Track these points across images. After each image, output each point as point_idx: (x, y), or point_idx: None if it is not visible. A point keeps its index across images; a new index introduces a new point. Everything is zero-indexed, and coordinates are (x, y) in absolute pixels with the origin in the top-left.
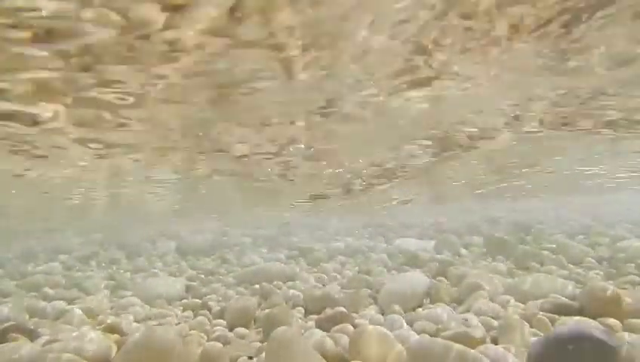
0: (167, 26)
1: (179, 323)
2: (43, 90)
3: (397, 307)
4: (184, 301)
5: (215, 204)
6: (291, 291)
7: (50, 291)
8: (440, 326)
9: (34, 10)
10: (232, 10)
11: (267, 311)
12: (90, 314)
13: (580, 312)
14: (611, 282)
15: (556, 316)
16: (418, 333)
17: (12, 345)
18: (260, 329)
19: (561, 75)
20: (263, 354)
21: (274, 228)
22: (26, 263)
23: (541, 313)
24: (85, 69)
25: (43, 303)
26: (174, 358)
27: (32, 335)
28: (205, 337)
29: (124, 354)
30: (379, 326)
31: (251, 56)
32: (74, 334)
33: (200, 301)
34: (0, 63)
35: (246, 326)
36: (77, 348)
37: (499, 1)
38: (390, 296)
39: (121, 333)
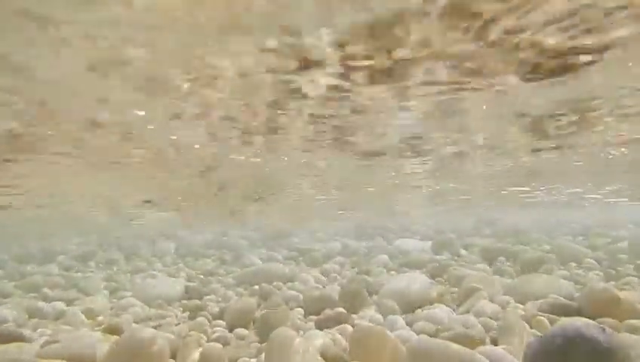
0: None
1: (178, 323)
2: None
3: (396, 308)
4: (183, 302)
5: None
6: (291, 292)
7: (50, 292)
8: (440, 326)
9: None
10: None
11: (264, 311)
12: (90, 314)
13: (579, 313)
14: (612, 283)
15: (556, 317)
16: (417, 334)
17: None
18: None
19: None
20: (263, 355)
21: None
22: (25, 264)
23: (541, 314)
24: None
25: (42, 304)
26: (160, 358)
27: (23, 338)
28: (205, 338)
29: (111, 355)
30: (378, 327)
31: None
32: (73, 335)
33: (199, 302)
34: None
35: (245, 327)
36: (76, 349)
37: None
38: (390, 296)
39: (121, 334)
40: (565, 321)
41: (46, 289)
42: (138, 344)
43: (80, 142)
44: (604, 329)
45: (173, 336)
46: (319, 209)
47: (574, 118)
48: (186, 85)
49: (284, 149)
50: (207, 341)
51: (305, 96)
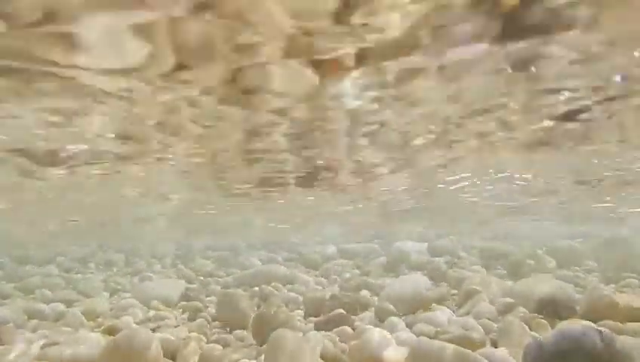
0: None
1: (177, 325)
2: None
3: (396, 310)
4: (183, 303)
5: None
6: (291, 293)
7: (49, 293)
8: (439, 329)
9: None
10: None
11: (262, 313)
12: (90, 316)
13: (579, 315)
14: (612, 286)
15: (556, 319)
16: (417, 336)
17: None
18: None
19: None
20: (262, 357)
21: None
22: (24, 265)
23: (540, 316)
24: None
25: (42, 305)
26: (154, 359)
27: None
28: (204, 339)
29: (105, 356)
30: (378, 329)
31: None
32: (73, 336)
33: (199, 303)
34: None
35: (245, 329)
36: (76, 351)
37: None
38: (389, 298)
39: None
40: (565, 324)
41: (46, 291)
42: (132, 344)
43: None
44: (603, 333)
45: (172, 338)
46: None
47: None
48: None
49: None
50: (207, 342)
51: None
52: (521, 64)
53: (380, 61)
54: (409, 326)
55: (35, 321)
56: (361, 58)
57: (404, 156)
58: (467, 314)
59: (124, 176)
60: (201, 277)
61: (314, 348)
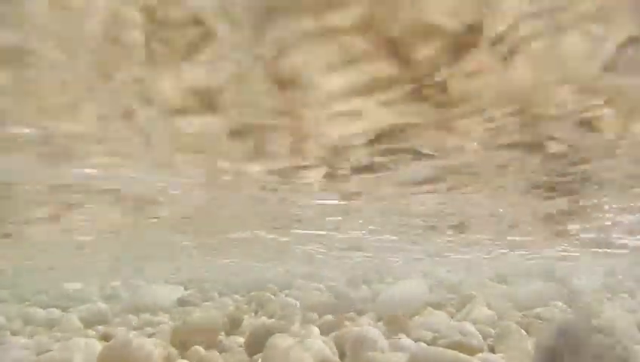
0: None
1: None
2: None
3: (394, 314)
4: (180, 308)
5: None
6: (288, 299)
7: (45, 299)
8: (437, 334)
9: None
10: None
11: (259, 318)
12: (86, 322)
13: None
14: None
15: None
16: (415, 341)
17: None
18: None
19: None
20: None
21: None
22: (20, 272)
23: (538, 321)
24: None
25: (38, 311)
26: None
27: None
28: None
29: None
30: (377, 333)
31: None
32: (68, 343)
33: (196, 309)
34: None
35: (242, 334)
36: (71, 357)
37: None
38: (388, 303)
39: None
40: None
41: (41, 296)
42: (128, 350)
43: None
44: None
45: (169, 343)
46: None
47: None
48: None
49: None
50: (205, 348)
51: None
52: None
53: None
54: (406, 331)
55: (30, 327)
56: None
57: None
58: (464, 319)
59: None
60: (198, 283)
61: (312, 353)
